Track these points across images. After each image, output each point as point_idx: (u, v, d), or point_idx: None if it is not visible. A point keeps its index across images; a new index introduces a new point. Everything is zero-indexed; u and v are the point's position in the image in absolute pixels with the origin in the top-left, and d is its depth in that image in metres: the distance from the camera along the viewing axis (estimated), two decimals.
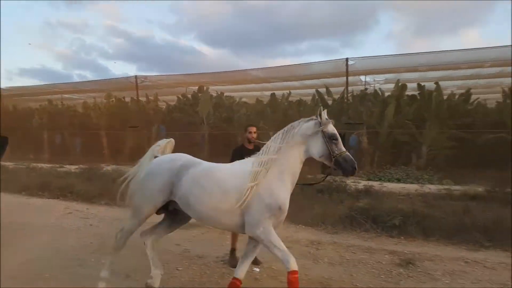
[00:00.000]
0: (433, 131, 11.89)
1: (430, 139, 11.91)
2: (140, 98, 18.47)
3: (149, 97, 18.99)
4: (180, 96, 18.92)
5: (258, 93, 19.25)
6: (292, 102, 16.29)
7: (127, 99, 19.83)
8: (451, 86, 15.40)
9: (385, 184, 10.24)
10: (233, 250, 5.30)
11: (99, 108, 19.49)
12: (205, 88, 16.67)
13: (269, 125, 14.84)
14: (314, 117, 3.75)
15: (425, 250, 5.88)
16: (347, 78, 13.61)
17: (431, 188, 9.24)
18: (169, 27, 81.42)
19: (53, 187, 10.89)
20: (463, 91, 14.49)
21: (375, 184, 10.01)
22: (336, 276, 4.82)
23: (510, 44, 11.12)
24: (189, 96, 18.44)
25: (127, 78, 17.69)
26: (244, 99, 18.66)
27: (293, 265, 3.44)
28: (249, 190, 3.43)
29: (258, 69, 16.55)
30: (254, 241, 3.84)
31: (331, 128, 3.61)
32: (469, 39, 63.07)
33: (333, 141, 3.54)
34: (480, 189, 8.65)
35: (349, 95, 15.28)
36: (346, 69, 13.38)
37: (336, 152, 3.50)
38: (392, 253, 5.74)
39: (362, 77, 16.16)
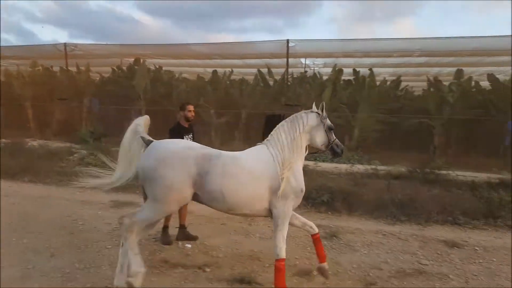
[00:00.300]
0: (364, 114, 12.58)
1: (361, 122, 12.61)
2: (70, 68, 17.29)
3: (80, 68, 17.83)
4: (115, 68, 18.03)
5: (199, 70, 18.93)
6: (234, 81, 16.25)
7: (56, 69, 18.50)
8: (384, 73, 16.32)
9: (320, 164, 10.71)
10: (165, 228, 5.32)
11: (23, 77, 17.97)
12: (142, 60, 15.99)
13: (210, 103, 14.78)
14: (313, 109, 4.19)
15: (349, 224, 6.34)
16: (287, 60, 13.84)
17: (360, 168, 9.87)
18: None
19: None
20: (394, 78, 15.46)
21: (310, 164, 10.46)
22: (265, 249, 5.05)
23: (438, 36, 12.11)
24: (125, 68, 17.66)
25: (55, 45, 16.39)
26: (184, 75, 18.23)
27: (283, 254, 3.76)
28: (285, 179, 3.76)
29: (201, 44, 16.19)
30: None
31: (329, 121, 4.16)
32: (404, 28, 66.67)
33: (331, 131, 4.14)
34: (403, 169, 9.41)
35: (289, 77, 15.63)
36: (286, 51, 13.57)
37: (331, 140, 4.11)
38: (319, 227, 6.05)
39: (303, 60, 16.53)
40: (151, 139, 3.87)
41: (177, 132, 5.24)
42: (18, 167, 9.53)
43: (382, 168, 9.82)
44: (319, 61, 16.80)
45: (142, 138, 3.85)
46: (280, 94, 14.83)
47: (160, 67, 16.99)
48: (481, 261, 4.85)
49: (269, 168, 3.78)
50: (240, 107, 14.83)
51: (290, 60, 15.41)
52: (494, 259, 4.90)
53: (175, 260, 4.65)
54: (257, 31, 73.37)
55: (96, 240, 5.31)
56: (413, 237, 5.74)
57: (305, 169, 9.38)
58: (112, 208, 7.13)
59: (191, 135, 5.43)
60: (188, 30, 70.18)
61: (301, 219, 4.30)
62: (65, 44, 16.21)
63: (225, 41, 17.86)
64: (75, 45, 16.29)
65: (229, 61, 17.30)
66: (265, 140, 4.04)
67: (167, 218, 5.29)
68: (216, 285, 4.05)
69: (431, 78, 13.45)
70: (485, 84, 13.65)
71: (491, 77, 12.91)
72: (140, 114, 16.05)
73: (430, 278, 4.28)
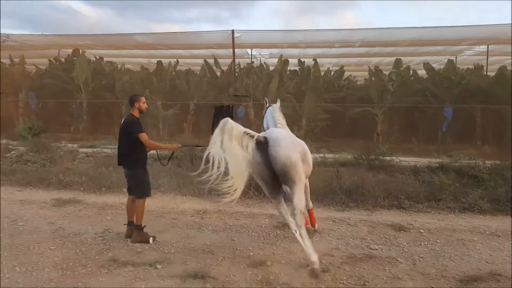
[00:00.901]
0: (311, 104, 12.79)
1: (308, 112, 12.80)
2: (2, 60, 15.87)
3: (13, 59, 16.44)
4: (52, 59, 16.80)
5: (143, 60, 18.21)
6: (180, 72, 15.79)
7: None
8: (328, 63, 16.70)
9: None
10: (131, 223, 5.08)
11: None
12: (81, 51, 15.02)
13: (155, 94, 14.26)
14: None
15: None
16: (233, 50, 13.68)
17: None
18: None
19: None
20: (337, 68, 15.87)
21: None
22: (218, 242, 4.95)
23: (377, 27, 12.55)
24: (63, 60, 16.53)
25: None
26: (128, 66, 17.43)
27: (310, 205, 5.25)
28: None
29: (145, 34, 15.50)
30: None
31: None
32: (345, 20, 68.82)
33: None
34: (349, 156, 9.68)
35: (236, 67, 15.48)
36: (232, 41, 13.39)
37: None
38: (271, 216, 6.11)
39: (248, 50, 16.44)
40: (260, 134, 4.13)
41: (141, 123, 5.04)
42: None
43: (329, 156, 10.05)
44: (265, 51, 16.83)
45: (248, 133, 3.91)
46: (227, 85, 14.67)
47: (101, 58, 16.09)
48: (426, 243, 5.04)
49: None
50: (188, 98, 14.48)
51: (237, 50, 15.23)
52: (438, 241, 5.13)
53: (124, 259, 4.41)
54: (201, 22, 71.40)
55: (38, 241, 4.93)
56: (361, 222, 5.90)
57: None
58: (55, 206, 6.67)
59: None
60: (129, 19, 66.49)
61: None
62: None
63: (170, 31, 17.08)
64: (7, 35, 14.95)
65: (174, 51, 16.81)
66: (277, 124, 5.22)
67: (131, 214, 5.08)
68: (169, 282, 3.87)
69: (372, 68, 13.93)
70: (422, 73, 14.42)
71: (426, 65, 13.63)
72: (81, 107, 15.26)
73: (380, 262, 4.39)
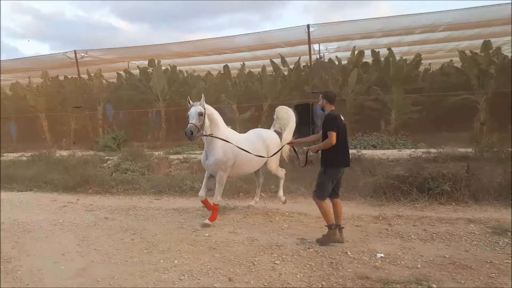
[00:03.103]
0: (398, 96, 11.32)
1: (396, 104, 11.34)
2: (81, 76, 15.73)
3: (91, 74, 16.28)
4: (122, 72, 16.44)
5: (206, 67, 17.49)
6: (252, 74, 14.82)
7: (61, 78, 16.89)
8: (399, 52, 15.01)
9: (363, 151, 9.49)
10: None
11: (36, 89, 16.41)
12: (156, 61, 14.47)
13: (230, 97, 13.43)
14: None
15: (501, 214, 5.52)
16: (309, 46, 12.55)
17: (415, 151, 8.67)
18: (80, 2, 71.41)
19: (19, 178, 9.14)
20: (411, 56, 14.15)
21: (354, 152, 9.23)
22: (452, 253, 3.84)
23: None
24: (132, 71, 16.18)
25: (65, 53, 14.82)
26: (196, 73, 16.75)
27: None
28: None
29: (210, 39, 14.77)
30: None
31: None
32: (382, 10, 64.95)
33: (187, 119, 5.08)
34: (466, 150, 8.19)
35: (303, 64, 14.30)
36: (308, 37, 12.25)
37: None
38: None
39: (315, 46, 15.14)
40: None
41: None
42: (72, 180, 8.49)
43: (433, 150, 8.58)
44: (332, 45, 15.44)
45: None
46: (299, 83, 13.53)
47: (175, 66, 15.49)
48: None
49: None
50: (262, 99, 13.50)
51: (302, 47, 14.10)
52: None
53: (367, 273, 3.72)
54: (233, 27, 70.37)
55: (253, 254, 4.39)
56: None
57: (360, 158, 8.41)
58: (226, 215, 6.12)
59: None
60: (164, 32, 66.79)
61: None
62: (75, 52, 14.68)
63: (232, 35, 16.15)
64: (86, 51, 14.76)
65: (238, 55, 15.91)
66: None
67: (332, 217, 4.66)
68: None
69: (465, 52, 12.07)
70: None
71: None
72: (159, 115, 14.73)
73: None
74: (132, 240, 4.94)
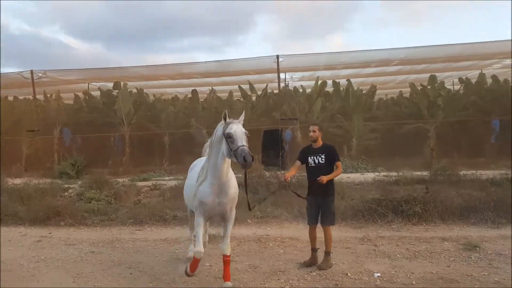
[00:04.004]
0: (358, 123, 12.14)
1: (357, 131, 12.14)
2: (37, 97, 14.85)
3: (47, 96, 15.43)
4: (81, 94, 15.77)
5: (172, 90, 17.41)
6: (220, 98, 15.00)
7: (10, 98, 15.77)
8: (358, 83, 16.14)
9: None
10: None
11: None
12: (122, 83, 14.08)
13: (201, 122, 13.44)
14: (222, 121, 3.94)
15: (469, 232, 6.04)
16: (278, 75, 13.12)
17: (379, 175, 9.21)
18: (26, 15, 64.01)
19: None
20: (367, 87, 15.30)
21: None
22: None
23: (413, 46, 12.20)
24: (92, 93, 15.62)
25: (21, 73, 13.97)
26: (164, 97, 16.58)
27: None
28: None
29: (179, 64, 14.83)
30: None
31: (228, 128, 3.76)
32: (333, 44, 69.16)
33: (230, 138, 3.70)
34: (421, 173, 8.89)
35: (269, 92, 14.85)
36: (277, 66, 12.79)
37: (233, 148, 3.68)
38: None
39: (282, 74, 15.80)
40: None
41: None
42: (39, 211, 7.87)
43: (393, 174, 9.20)
44: (297, 74, 16.23)
45: None
46: (268, 109, 13.97)
47: (141, 90, 15.19)
48: None
49: None
50: None
51: (269, 75, 14.71)
52: None
53: None
54: (195, 50, 70.17)
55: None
56: None
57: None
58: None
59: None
60: (121, 51, 63.66)
61: None
62: (31, 71, 13.87)
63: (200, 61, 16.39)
64: (44, 71, 13.99)
65: (207, 80, 16.10)
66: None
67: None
68: None
69: (414, 85, 13.36)
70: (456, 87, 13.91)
71: (462, 80, 13.16)
72: (123, 140, 14.20)
73: None
74: (131, 274, 4.75)
